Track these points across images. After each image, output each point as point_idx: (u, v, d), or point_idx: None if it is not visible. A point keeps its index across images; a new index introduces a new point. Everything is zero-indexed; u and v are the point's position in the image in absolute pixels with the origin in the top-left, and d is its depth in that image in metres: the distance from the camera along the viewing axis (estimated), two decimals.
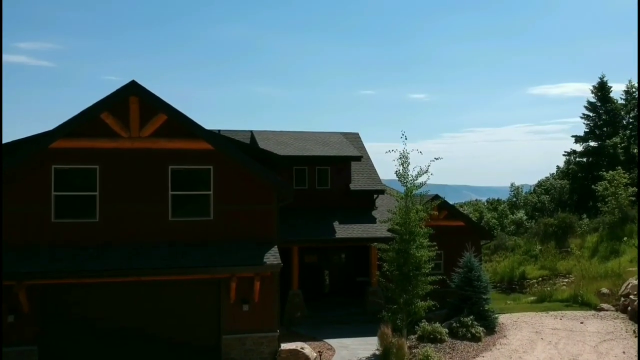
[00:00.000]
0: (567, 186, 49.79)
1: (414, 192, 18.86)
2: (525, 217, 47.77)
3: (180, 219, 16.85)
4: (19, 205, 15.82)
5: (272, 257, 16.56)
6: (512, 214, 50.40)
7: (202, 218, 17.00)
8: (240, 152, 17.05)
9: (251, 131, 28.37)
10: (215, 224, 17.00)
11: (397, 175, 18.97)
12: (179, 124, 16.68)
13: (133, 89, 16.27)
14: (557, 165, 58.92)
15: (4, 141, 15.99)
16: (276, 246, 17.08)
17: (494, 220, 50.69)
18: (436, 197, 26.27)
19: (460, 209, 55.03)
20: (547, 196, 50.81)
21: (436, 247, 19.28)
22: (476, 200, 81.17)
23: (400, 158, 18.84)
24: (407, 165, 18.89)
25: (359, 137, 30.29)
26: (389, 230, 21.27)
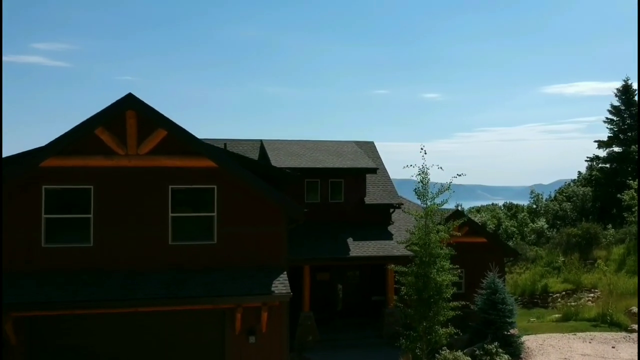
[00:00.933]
0: (590, 193, 47.98)
1: (434, 209, 17.51)
2: (546, 226, 46.03)
3: (181, 243, 15.55)
4: (5, 228, 14.59)
5: (281, 285, 15.20)
6: (533, 222, 48.62)
7: (205, 242, 15.68)
8: (246, 170, 15.69)
9: (261, 140, 27.12)
10: (219, 248, 15.68)
11: (416, 193, 17.61)
12: (180, 140, 15.36)
13: (130, 102, 14.96)
14: (579, 171, 56.97)
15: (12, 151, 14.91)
16: (285, 272, 15.72)
17: (512, 229, 48.99)
18: (457, 212, 24.80)
19: (478, 215, 53.43)
20: (569, 204, 49.00)
21: (458, 269, 17.89)
22: (492, 204, 79.30)
23: (420, 174, 17.48)
24: (427, 182, 17.53)
25: (374, 147, 28.87)
26: (406, 248, 19.93)
